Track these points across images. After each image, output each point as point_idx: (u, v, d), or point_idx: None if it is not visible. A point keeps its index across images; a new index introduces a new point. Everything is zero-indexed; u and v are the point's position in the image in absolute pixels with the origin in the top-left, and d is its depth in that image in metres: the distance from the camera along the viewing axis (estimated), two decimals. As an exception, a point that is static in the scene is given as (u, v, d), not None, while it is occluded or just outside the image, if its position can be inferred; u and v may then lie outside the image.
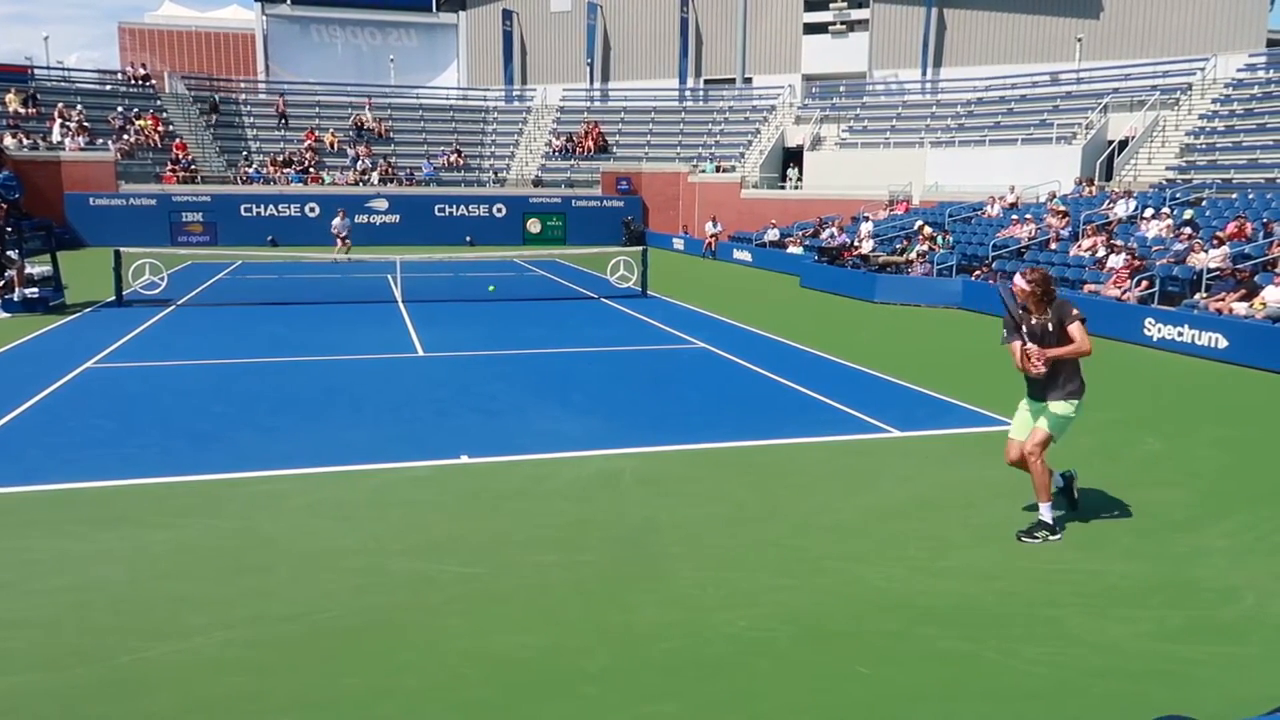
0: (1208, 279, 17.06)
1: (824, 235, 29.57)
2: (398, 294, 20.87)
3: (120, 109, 40.76)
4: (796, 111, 42.51)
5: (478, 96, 49.95)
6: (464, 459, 8.66)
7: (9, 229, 17.89)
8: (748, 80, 46.85)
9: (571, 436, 9.49)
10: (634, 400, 11.36)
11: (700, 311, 19.28)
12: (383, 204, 37.77)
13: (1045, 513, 6.85)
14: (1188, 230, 19.09)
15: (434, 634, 5.30)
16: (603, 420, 10.28)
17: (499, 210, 39.45)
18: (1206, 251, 17.78)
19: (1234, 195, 22.98)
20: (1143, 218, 21.79)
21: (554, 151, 44.98)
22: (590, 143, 44.48)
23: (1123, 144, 30.77)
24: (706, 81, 48.46)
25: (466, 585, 5.95)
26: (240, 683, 4.74)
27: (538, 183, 42.53)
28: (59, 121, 37.65)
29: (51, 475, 8.01)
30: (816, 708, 4.60)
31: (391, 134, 45.06)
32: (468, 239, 38.54)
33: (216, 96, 45.03)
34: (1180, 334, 15.15)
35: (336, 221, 30.89)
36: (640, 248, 24.07)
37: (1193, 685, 4.84)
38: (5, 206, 17.99)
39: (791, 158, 40.83)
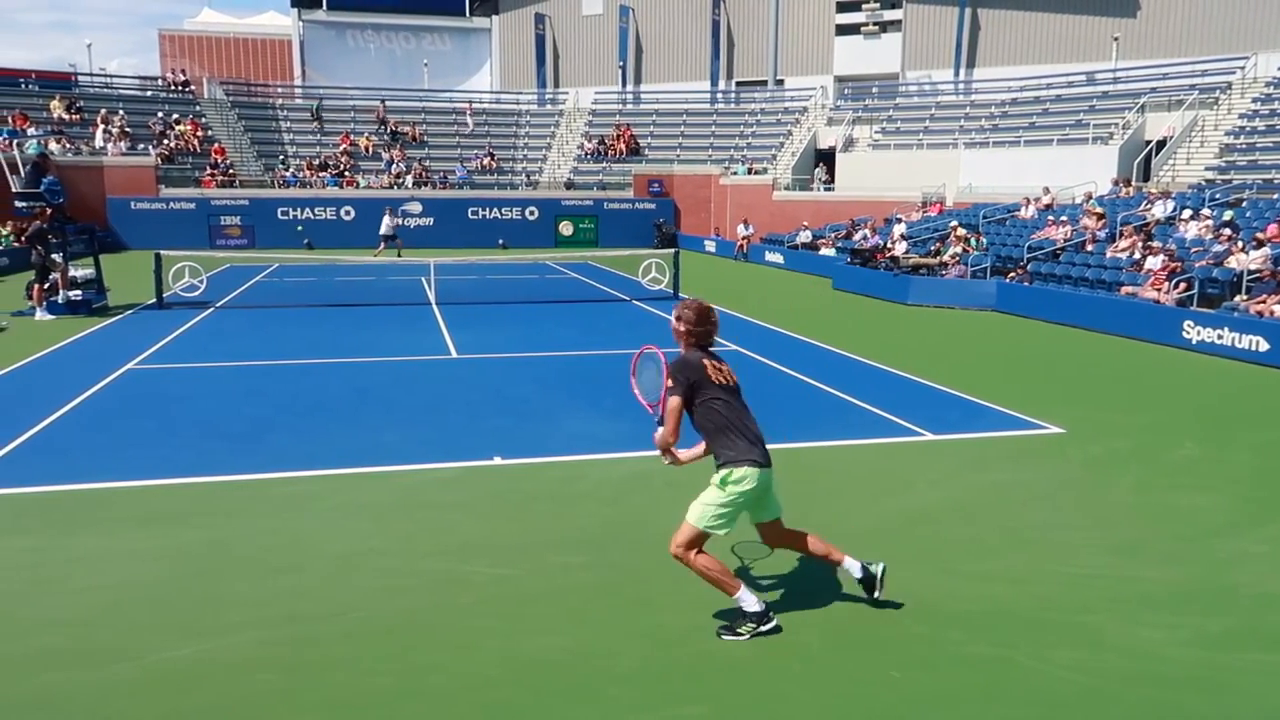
0: (1248, 281, 16.77)
1: (857, 237, 29.41)
2: (431, 296, 21.02)
3: (160, 114, 41.44)
4: (829, 113, 42.33)
5: (510, 100, 50.22)
6: (497, 460, 8.71)
7: (54, 233, 18.24)
8: (780, 82, 46.72)
9: (602, 439, 9.52)
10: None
11: (732, 314, 19.23)
12: (417, 207, 38.10)
13: (745, 599, 5.30)
14: (1227, 231, 18.78)
15: (465, 635, 5.33)
16: (633, 423, 10.27)
17: (531, 213, 39.64)
18: (1247, 253, 17.49)
19: (1275, 196, 22.54)
20: (1181, 219, 21.46)
21: (586, 154, 45.11)
22: (622, 145, 44.56)
23: (1160, 144, 30.32)
24: (738, 83, 48.39)
25: (497, 586, 5.99)
26: (272, 681, 4.79)
27: (570, 185, 42.68)
28: (101, 127, 38.34)
29: (93, 474, 8.15)
30: (847, 711, 4.58)
31: (425, 137, 45.41)
32: (500, 241, 38.78)
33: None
34: (1220, 337, 14.91)
35: (385, 220, 31.48)
36: (672, 250, 24.07)
37: (1232, 694, 4.76)
38: (50, 211, 18.37)
39: (823, 159, 40.66)
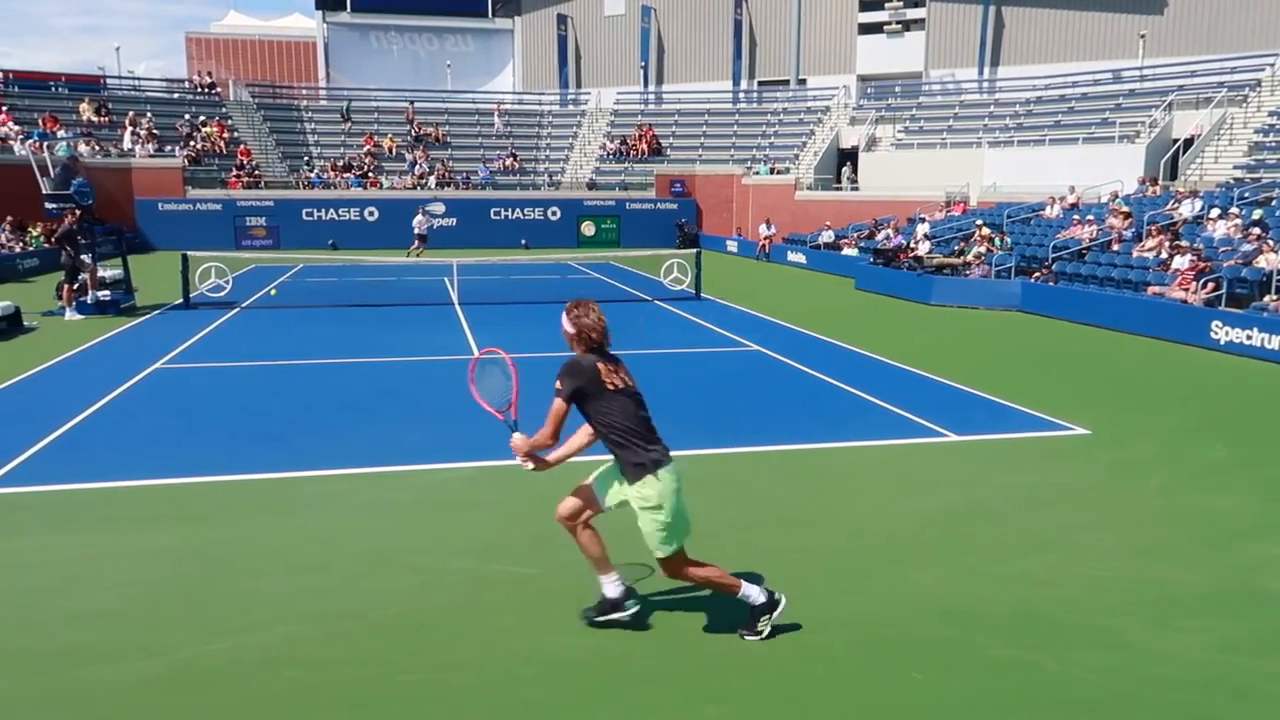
0: (1277, 280, 16.57)
1: (879, 237, 29.29)
2: (454, 296, 21.11)
3: (187, 116, 41.87)
4: (851, 112, 42.17)
5: (533, 100, 50.36)
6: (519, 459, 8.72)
7: (83, 234, 18.48)
8: (802, 81, 46.59)
9: (624, 439, 9.50)
10: (687, 402, 11.35)
11: (754, 314, 19.21)
12: (440, 208, 38.28)
13: (749, 594, 5.24)
14: (1256, 230, 18.55)
15: (489, 633, 5.36)
16: (655, 422, 10.27)
17: (554, 213, 39.74)
18: (1276, 252, 17.28)
19: (1306, 194, 22.26)
20: (1209, 218, 21.23)
21: (608, 154, 45.17)
22: (644, 145, 44.59)
23: (1188, 142, 30.00)
24: (760, 83, 48.29)
25: (520, 585, 6.01)
26: (297, 678, 4.84)
27: (592, 186, 42.75)
28: (129, 129, 38.78)
29: (120, 473, 8.25)
30: (869, 712, 4.57)
31: (448, 138, 45.62)
32: (523, 242, 38.91)
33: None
34: (1249, 337, 14.74)
35: (418, 219, 31.74)
36: (694, 250, 24.05)
37: (1261, 699, 4.71)
38: (79, 212, 18.60)
39: (846, 159, 40.52)
